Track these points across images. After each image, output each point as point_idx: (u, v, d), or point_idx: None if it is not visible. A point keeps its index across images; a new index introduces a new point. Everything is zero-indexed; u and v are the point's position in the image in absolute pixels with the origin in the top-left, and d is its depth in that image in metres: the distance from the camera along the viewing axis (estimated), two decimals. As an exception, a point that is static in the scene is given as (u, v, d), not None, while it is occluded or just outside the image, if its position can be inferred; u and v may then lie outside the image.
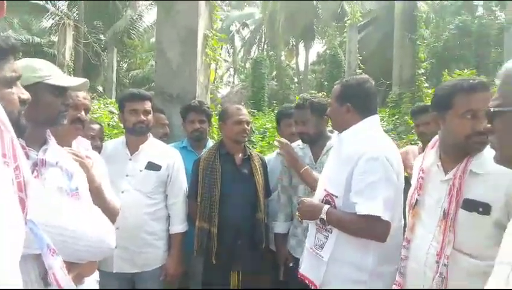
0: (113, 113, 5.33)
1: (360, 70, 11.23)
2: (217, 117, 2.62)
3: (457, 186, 1.40)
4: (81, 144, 1.80)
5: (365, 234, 1.64)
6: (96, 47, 14.13)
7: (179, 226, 2.33)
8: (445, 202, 1.43)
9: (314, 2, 20.31)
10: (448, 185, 1.44)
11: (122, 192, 2.17)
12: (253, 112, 7.46)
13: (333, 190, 1.75)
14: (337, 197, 1.72)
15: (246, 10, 27.77)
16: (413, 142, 3.78)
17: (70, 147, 1.75)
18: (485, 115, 0.94)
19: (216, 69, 3.55)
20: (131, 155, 2.27)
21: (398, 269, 1.58)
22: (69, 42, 11.59)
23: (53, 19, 14.90)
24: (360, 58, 12.08)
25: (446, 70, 7.09)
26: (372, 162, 1.62)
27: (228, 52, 28.77)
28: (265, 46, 27.27)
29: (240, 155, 2.45)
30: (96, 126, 2.38)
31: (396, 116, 6.88)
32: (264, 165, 2.54)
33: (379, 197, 1.58)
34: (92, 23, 15.21)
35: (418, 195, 1.55)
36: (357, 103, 1.75)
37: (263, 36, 27.40)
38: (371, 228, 1.61)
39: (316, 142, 2.36)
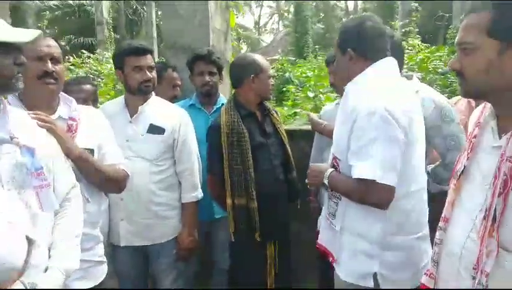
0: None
1: (416, 4, 10.12)
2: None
3: (507, 156, 0.95)
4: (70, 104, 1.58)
5: (364, 200, 1.43)
6: (134, 2, 13.91)
7: (190, 194, 2.09)
8: (492, 182, 0.98)
9: None
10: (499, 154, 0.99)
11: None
12: (293, 60, 6.88)
13: (337, 152, 1.56)
14: (340, 160, 1.53)
15: None
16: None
17: (54, 110, 1.52)
18: None
19: (237, 12, 3.09)
20: (131, 117, 2.01)
21: (432, 256, 1.21)
22: (107, -1, 11.46)
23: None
24: (416, -10, 10.74)
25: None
26: (369, 117, 1.37)
27: (271, -4, 27.36)
28: (311, -14, 25.51)
29: (259, 112, 2.17)
30: (87, 86, 2.10)
31: (458, 54, 5.99)
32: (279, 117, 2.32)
33: (374, 158, 1.36)
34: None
35: (467, 159, 1.10)
36: (360, 46, 1.50)
37: (308, -25, 25.57)
38: (367, 194, 1.39)
39: None
